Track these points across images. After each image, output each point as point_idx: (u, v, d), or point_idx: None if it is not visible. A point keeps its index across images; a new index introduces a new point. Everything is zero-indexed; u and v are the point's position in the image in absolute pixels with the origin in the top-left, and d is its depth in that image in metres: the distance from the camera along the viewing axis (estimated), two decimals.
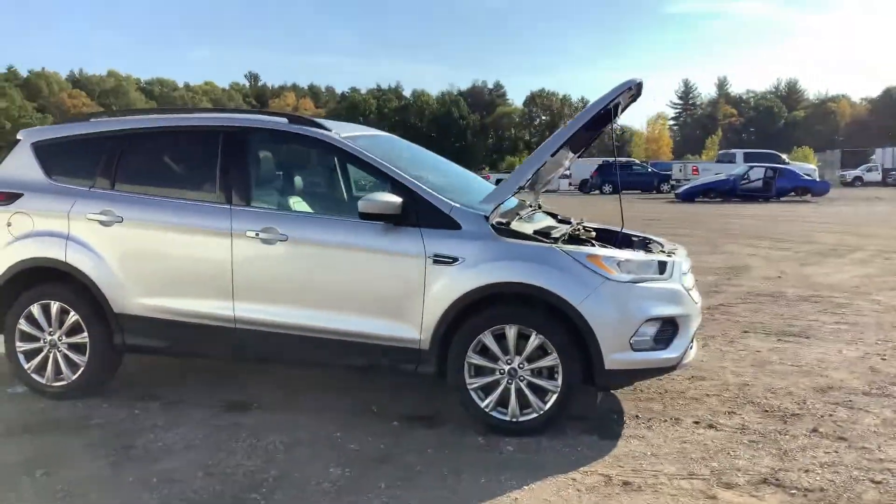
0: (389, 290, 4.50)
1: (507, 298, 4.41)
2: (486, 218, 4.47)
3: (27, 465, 3.98)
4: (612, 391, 5.09)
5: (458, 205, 4.55)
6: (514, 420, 4.40)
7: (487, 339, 4.39)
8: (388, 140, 5.64)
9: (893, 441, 4.32)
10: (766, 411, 4.86)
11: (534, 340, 4.34)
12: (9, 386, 5.26)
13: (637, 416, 4.77)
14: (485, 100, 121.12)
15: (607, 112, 4.83)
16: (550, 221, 5.34)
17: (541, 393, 4.38)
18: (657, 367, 4.50)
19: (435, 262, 4.43)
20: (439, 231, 4.47)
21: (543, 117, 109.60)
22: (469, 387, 4.43)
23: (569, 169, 6.16)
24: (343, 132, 4.86)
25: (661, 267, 4.52)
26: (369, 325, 4.55)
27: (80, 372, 5.02)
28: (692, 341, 4.68)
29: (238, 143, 4.87)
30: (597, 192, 43.64)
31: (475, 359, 4.41)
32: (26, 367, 5.08)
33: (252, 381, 5.48)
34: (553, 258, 4.34)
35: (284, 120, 4.95)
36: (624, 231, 5.65)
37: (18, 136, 5.35)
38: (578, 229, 5.31)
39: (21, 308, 5.06)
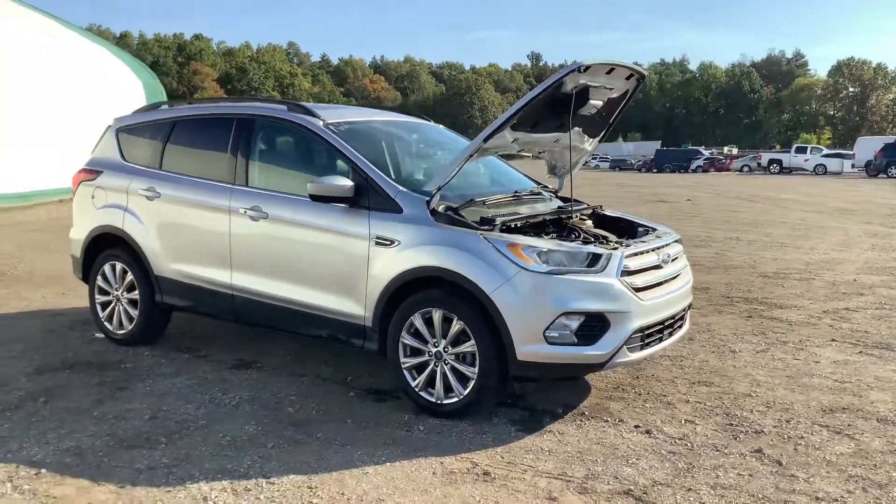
0: (341, 268, 4.81)
1: (436, 282, 4.51)
2: (428, 203, 4.59)
3: (39, 394, 4.91)
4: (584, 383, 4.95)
5: (404, 189, 4.72)
6: (439, 402, 4.52)
7: (417, 320, 4.54)
8: (387, 126, 5.86)
9: (834, 475, 3.79)
10: (730, 425, 4.45)
11: (455, 325, 4.41)
12: (96, 331, 6.35)
13: (584, 414, 4.63)
14: (781, 71, 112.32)
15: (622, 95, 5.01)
16: (545, 208, 5.24)
17: (463, 378, 4.45)
18: (578, 364, 4.34)
19: (377, 243, 4.66)
20: (384, 214, 4.68)
21: (852, 89, 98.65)
22: (403, 366, 4.62)
23: (594, 153, 5.91)
24: (331, 119, 5.21)
25: (594, 259, 4.33)
26: (327, 300, 4.90)
27: (133, 324, 5.96)
28: (646, 338, 4.45)
29: (245, 129, 5.44)
30: (882, 175, 38.87)
31: (408, 339, 4.59)
32: (101, 316, 6.14)
33: (282, 345, 6.05)
34: (474, 245, 4.36)
35: (284, 107, 5.42)
36: (632, 219, 5.42)
37: (110, 123, 6.40)
38: (570, 216, 5.19)
39: (98, 267, 6.12)
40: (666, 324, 4.69)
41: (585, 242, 4.68)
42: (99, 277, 6.13)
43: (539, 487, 3.66)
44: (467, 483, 3.70)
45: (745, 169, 53.81)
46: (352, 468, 3.85)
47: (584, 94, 4.74)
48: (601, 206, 5.62)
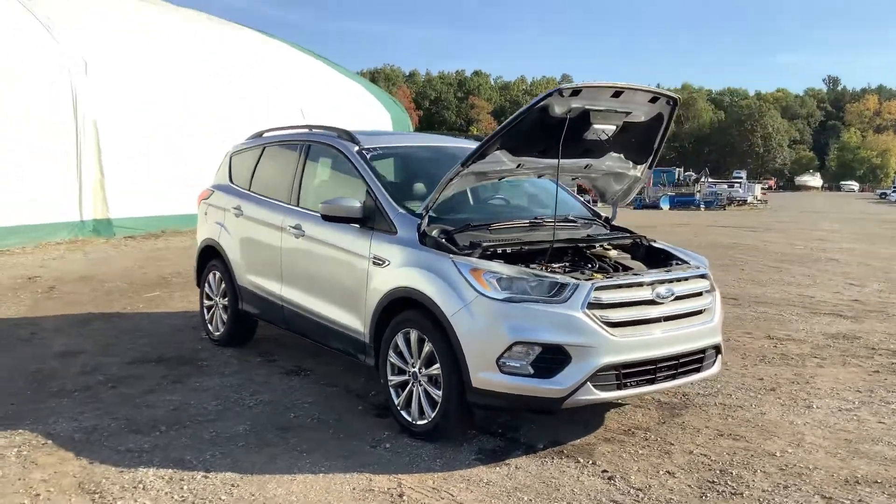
0: (349, 284, 5.02)
1: (414, 304, 4.53)
2: (419, 225, 4.66)
3: (115, 380, 5.68)
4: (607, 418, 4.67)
5: (402, 211, 4.82)
6: (414, 422, 4.54)
7: (400, 340, 4.61)
8: (426, 151, 5.91)
9: None
10: (711, 483, 3.97)
11: (426, 347, 4.42)
12: (204, 333, 7.13)
13: (562, 452, 4.37)
14: None
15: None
16: (569, 235, 5.02)
17: (432, 401, 4.43)
18: (533, 397, 4.11)
19: (373, 262, 4.81)
20: (382, 234, 4.83)
21: None
22: (389, 383, 4.70)
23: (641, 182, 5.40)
24: (367, 144, 5.45)
25: (558, 289, 4.10)
26: (340, 315, 5.14)
27: (224, 329, 6.64)
28: (625, 377, 4.14)
29: (304, 154, 5.87)
30: None
31: (393, 358, 4.67)
32: (206, 319, 6.91)
33: (341, 357, 6.35)
34: (443, 268, 4.34)
35: (335, 134, 5.76)
36: (670, 250, 5.04)
37: (227, 150, 7.19)
38: (593, 245, 4.93)
39: (205, 276, 6.91)
40: (661, 364, 4.28)
41: (580, 272, 4.44)
42: (206, 285, 6.90)
43: None
44: (372, 502, 3.71)
45: None
46: (285, 474, 4.03)
47: (583, 118, 4.50)
48: (645, 237, 5.24)
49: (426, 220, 4.65)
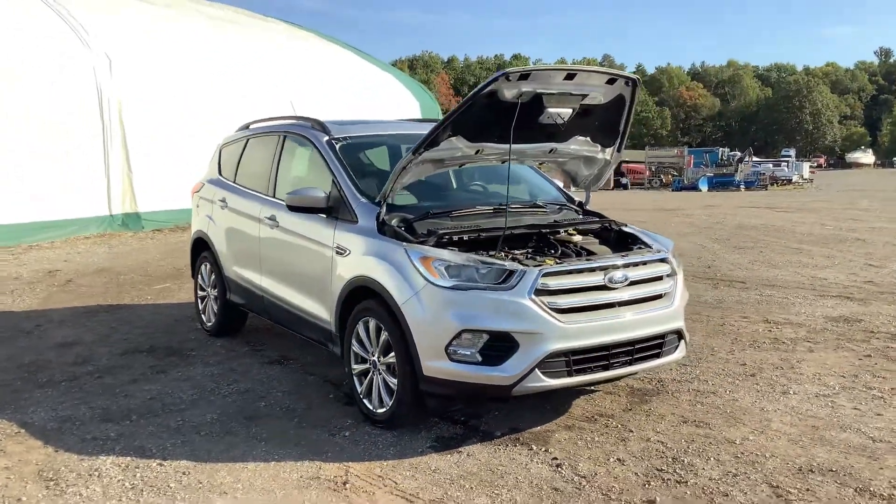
0: (317, 274, 5.07)
1: (372, 293, 4.55)
2: (379, 214, 4.67)
3: (101, 371, 5.83)
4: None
5: (364, 200, 4.84)
6: (374, 411, 4.57)
7: (360, 329, 4.64)
8: (388, 141, 5.91)
9: None
10: (658, 471, 3.94)
11: (383, 335, 4.45)
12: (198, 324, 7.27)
13: (518, 439, 4.37)
14: None
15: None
16: (535, 221, 4.98)
17: (389, 390, 4.46)
18: (482, 384, 4.11)
19: (336, 252, 4.85)
20: (345, 224, 4.86)
21: None
22: (353, 372, 4.75)
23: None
24: (337, 134, 5.46)
25: (506, 276, 4.09)
26: (310, 305, 5.20)
27: (215, 319, 6.76)
28: (576, 363, 4.12)
29: (280, 145, 5.93)
30: None
31: (355, 346, 4.71)
32: (200, 309, 7.04)
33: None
34: (396, 257, 4.36)
35: (309, 125, 5.78)
36: (638, 233, 4.98)
37: (218, 142, 7.29)
38: (557, 231, 4.89)
39: (198, 267, 7.04)
40: (616, 350, 4.25)
41: (535, 258, 4.42)
42: (199, 276, 7.03)
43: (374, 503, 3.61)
44: (315, 490, 3.77)
45: None
46: (239, 462, 4.11)
47: (536, 102, 4.45)
48: (615, 222, 5.17)
49: (384, 208, 4.67)
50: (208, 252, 6.80)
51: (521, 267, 4.13)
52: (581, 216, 5.35)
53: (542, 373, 4.07)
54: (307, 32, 24.88)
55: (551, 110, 4.54)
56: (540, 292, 4.08)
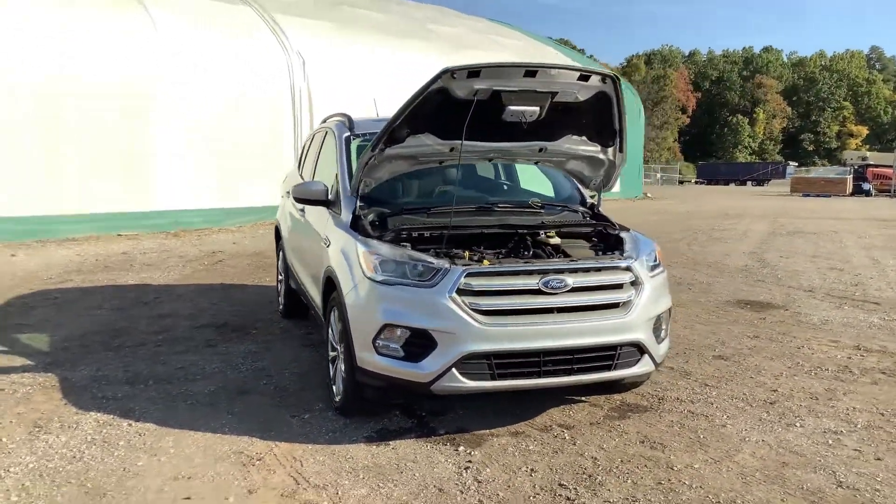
0: (316, 264, 5.33)
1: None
2: (354, 209, 4.84)
3: (169, 340, 6.54)
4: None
5: (350, 195, 5.01)
6: (335, 397, 4.76)
7: (332, 317, 4.84)
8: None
9: None
10: (559, 486, 3.72)
11: (338, 325, 4.61)
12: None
13: (454, 439, 4.33)
14: None
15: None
16: (520, 221, 4.86)
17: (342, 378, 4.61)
18: (404, 380, 4.13)
19: (324, 243, 5.08)
20: (334, 217, 5.08)
21: None
22: (330, 360, 4.95)
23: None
24: (358, 131, 5.67)
25: (432, 274, 4.07)
26: (315, 294, 5.47)
27: (282, 304, 7.28)
28: (501, 367, 4.05)
29: (322, 140, 6.27)
30: None
31: (330, 334, 4.91)
32: (278, 292, 7.62)
33: None
34: (350, 250, 4.49)
35: (343, 121, 6.01)
36: (625, 236, 4.75)
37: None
38: (537, 232, 4.76)
39: (278, 254, 7.60)
40: (549, 357, 4.07)
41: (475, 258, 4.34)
42: (279, 262, 7.59)
43: (271, 482, 3.80)
44: (227, 463, 4.03)
45: None
46: (190, 430, 4.49)
47: (495, 100, 4.34)
48: (614, 226, 4.90)
49: (357, 202, 4.81)
50: (281, 241, 7.32)
51: (446, 265, 4.09)
52: (585, 219, 5.12)
53: (461, 373, 4.02)
54: (502, 27, 25.22)
55: (512, 108, 4.41)
56: (463, 292, 4.03)
